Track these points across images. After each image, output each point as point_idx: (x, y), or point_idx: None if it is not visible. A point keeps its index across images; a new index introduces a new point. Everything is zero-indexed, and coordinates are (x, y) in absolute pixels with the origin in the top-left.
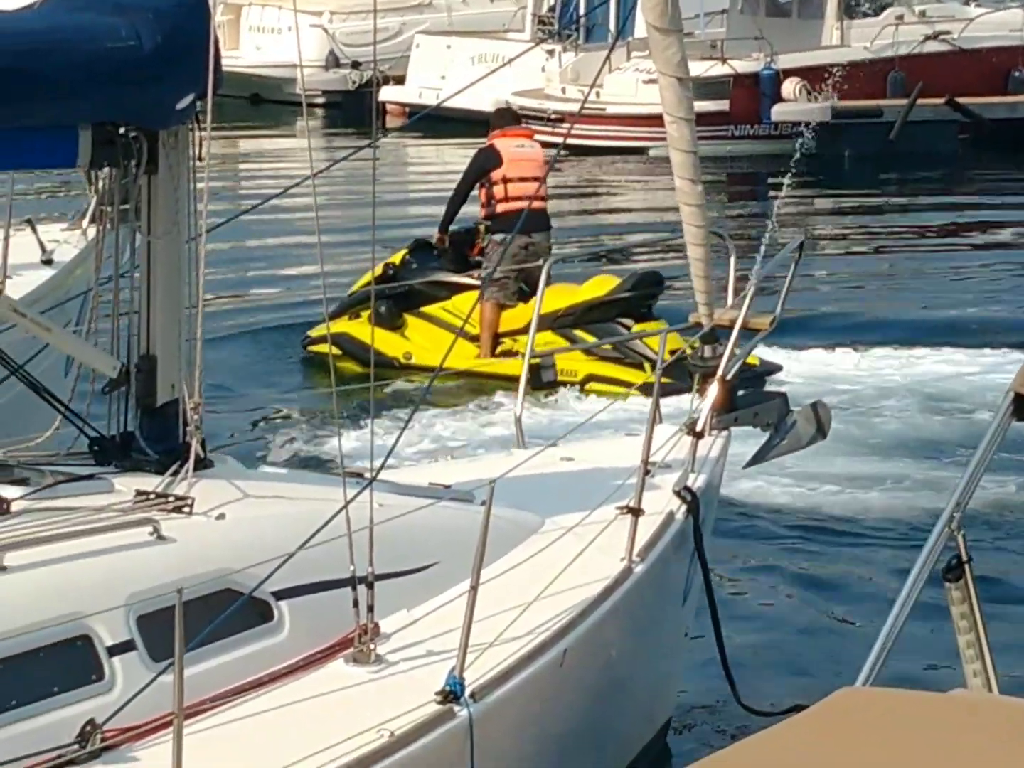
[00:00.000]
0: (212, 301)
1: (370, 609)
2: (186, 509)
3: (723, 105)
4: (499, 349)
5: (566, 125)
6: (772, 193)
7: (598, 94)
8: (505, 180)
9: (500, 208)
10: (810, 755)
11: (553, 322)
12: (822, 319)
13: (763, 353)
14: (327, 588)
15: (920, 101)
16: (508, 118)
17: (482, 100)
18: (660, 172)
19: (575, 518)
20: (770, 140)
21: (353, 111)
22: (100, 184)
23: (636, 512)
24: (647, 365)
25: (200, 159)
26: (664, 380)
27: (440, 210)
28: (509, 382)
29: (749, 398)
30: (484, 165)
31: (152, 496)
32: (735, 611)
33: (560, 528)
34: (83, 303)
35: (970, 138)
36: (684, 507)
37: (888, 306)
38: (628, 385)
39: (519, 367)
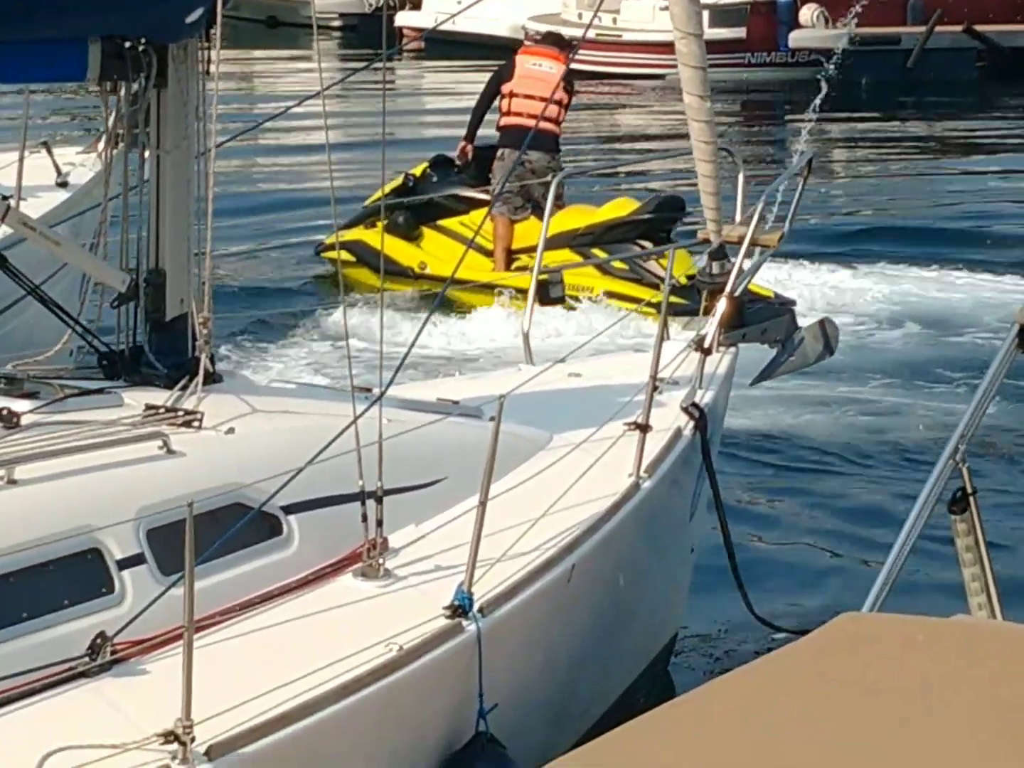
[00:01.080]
0: (222, 217)
1: (379, 524)
2: (195, 424)
3: (740, 32)
4: (515, 265)
5: (582, 51)
6: (790, 118)
7: (615, 20)
8: (512, 95)
9: (502, 122)
10: (811, 679)
11: (572, 240)
12: (832, 239)
13: (772, 272)
14: (336, 503)
15: (938, 29)
16: (549, 38)
17: (499, 25)
18: (676, 98)
19: (583, 434)
20: (787, 67)
21: (369, 34)
22: (112, 101)
23: (644, 428)
24: (663, 287)
25: (209, 73)
26: (678, 300)
27: (452, 133)
28: (521, 296)
29: (757, 314)
30: (498, 77)
31: (162, 410)
32: (742, 530)
33: (568, 444)
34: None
35: (988, 66)
36: (692, 423)
37: (900, 230)
38: (638, 301)
39: (522, 281)
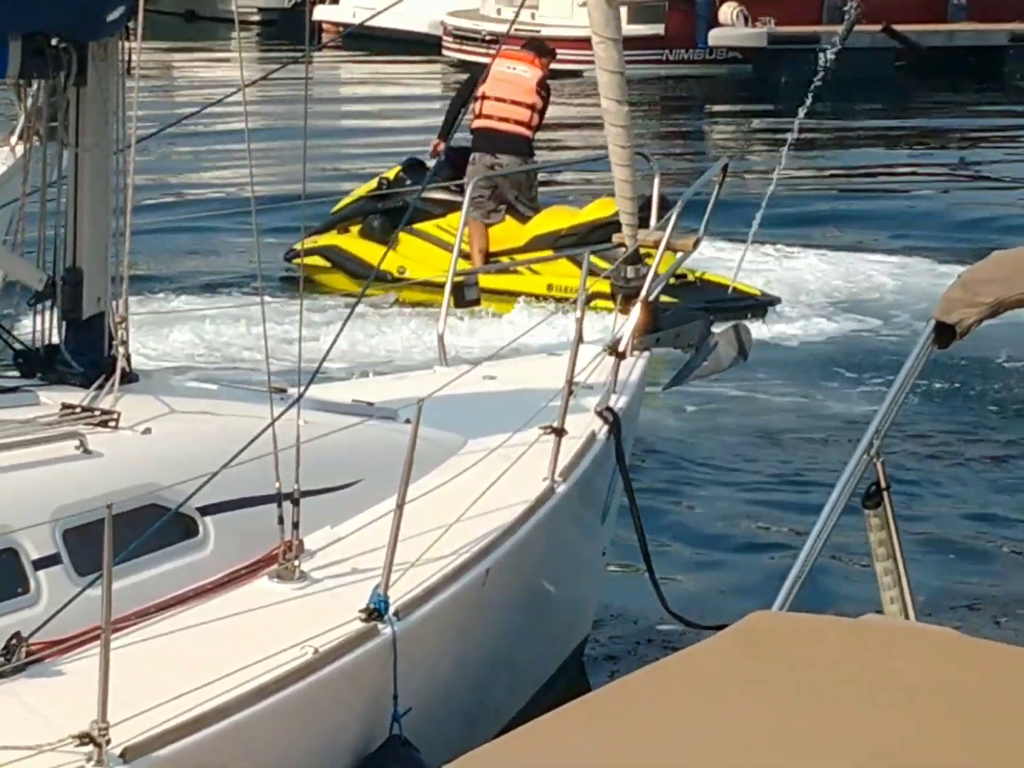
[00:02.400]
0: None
1: (295, 526)
2: (112, 423)
3: (658, 29)
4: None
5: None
6: (708, 116)
7: (533, 15)
8: (483, 97)
9: (473, 124)
10: (720, 677)
11: (555, 241)
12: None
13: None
14: (252, 504)
15: (857, 28)
16: (529, 44)
17: (418, 20)
18: (595, 94)
19: (498, 438)
20: (705, 64)
21: (288, 28)
22: (29, 98)
23: (559, 432)
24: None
25: (130, 72)
26: (668, 300)
27: (370, 124)
28: (495, 296)
29: (672, 319)
30: (472, 79)
31: (78, 409)
32: (657, 531)
33: (483, 448)
34: (11, 217)
35: (907, 65)
36: (606, 427)
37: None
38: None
39: (503, 282)
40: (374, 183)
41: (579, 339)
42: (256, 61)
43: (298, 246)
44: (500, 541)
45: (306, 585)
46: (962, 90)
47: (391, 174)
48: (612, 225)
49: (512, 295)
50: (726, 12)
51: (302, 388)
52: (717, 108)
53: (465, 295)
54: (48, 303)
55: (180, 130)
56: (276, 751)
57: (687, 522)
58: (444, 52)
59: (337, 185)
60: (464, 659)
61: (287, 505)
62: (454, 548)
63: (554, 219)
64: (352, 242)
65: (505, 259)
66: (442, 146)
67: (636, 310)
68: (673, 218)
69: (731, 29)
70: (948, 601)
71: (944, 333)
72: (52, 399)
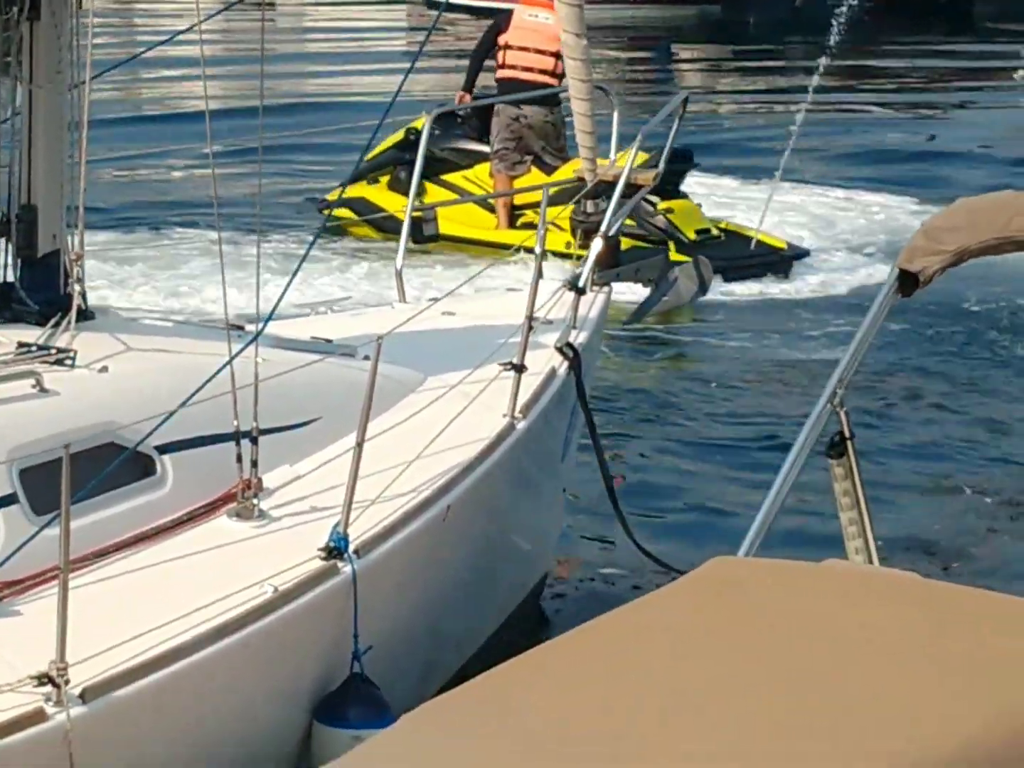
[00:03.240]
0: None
1: (254, 464)
2: (68, 362)
3: None
4: (520, 221)
5: None
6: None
7: None
8: (507, 46)
9: (498, 75)
10: (681, 623)
11: (576, 193)
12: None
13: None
14: (211, 442)
15: None
16: None
17: None
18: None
19: (458, 375)
20: (675, 5)
21: None
22: None
23: (519, 369)
24: (671, 244)
25: (81, 5)
26: (682, 259)
27: (335, 68)
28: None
29: (631, 254)
30: (495, 28)
31: (34, 348)
32: (618, 472)
33: (443, 385)
34: None
35: (876, 5)
36: (566, 364)
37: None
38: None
39: (519, 238)
40: (401, 134)
41: (538, 275)
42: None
43: (332, 196)
44: (460, 478)
45: (265, 523)
46: (931, 31)
47: (419, 124)
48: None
49: (530, 251)
50: None
51: (260, 325)
52: (687, 49)
53: (424, 230)
54: (2, 240)
55: (139, 62)
56: (236, 690)
57: (651, 467)
58: None
59: (298, 118)
60: (424, 597)
61: (245, 443)
62: (414, 485)
63: (573, 172)
64: (380, 194)
65: (530, 212)
66: (467, 98)
67: (596, 245)
68: (633, 152)
69: None
70: (913, 548)
71: (907, 281)
72: (7, 337)
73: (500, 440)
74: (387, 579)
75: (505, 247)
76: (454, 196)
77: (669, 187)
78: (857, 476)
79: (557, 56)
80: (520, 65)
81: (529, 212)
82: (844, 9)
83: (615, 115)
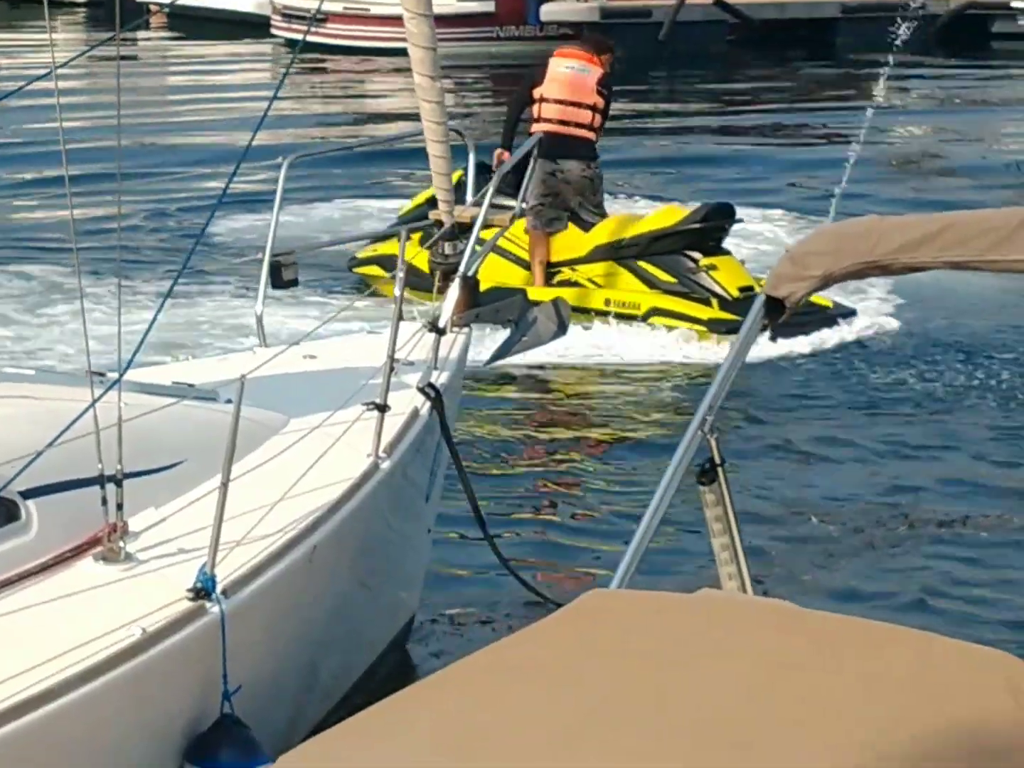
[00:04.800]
0: None
1: (119, 507)
2: None
3: (489, 6)
4: (557, 278)
5: (330, 25)
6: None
7: None
8: (542, 99)
9: (532, 128)
10: (558, 657)
11: (616, 252)
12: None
13: None
14: (75, 487)
15: (689, 1)
16: (586, 40)
17: (245, 1)
18: None
19: (321, 416)
20: (537, 41)
21: (114, 10)
22: None
23: (382, 409)
24: (714, 301)
25: None
26: (726, 317)
27: (198, 109)
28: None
29: (490, 295)
30: (529, 80)
31: None
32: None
33: (306, 426)
34: None
35: (739, 38)
36: (428, 403)
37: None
38: (689, 319)
39: (562, 295)
40: (429, 193)
41: (399, 316)
42: (83, 43)
43: (363, 254)
44: (326, 518)
45: (132, 566)
46: (794, 62)
47: (453, 178)
48: (675, 236)
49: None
50: None
51: (122, 368)
52: None
53: (283, 275)
54: None
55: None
56: (104, 734)
57: (522, 499)
58: (273, 32)
59: (158, 163)
60: (293, 636)
61: (110, 487)
62: (280, 526)
63: (617, 228)
64: (412, 250)
65: (567, 270)
66: (507, 156)
67: (455, 286)
68: (489, 193)
69: (563, 4)
70: (786, 574)
71: (774, 307)
72: None
73: (365, 480)
74: (255, 619)
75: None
76: (491, 254)
77: (711, 243)
78: (729, 502)
79: (594, 109)
80: (556, 118)
81: (565, 270)
82: (708, 40)
83: (471, 157)
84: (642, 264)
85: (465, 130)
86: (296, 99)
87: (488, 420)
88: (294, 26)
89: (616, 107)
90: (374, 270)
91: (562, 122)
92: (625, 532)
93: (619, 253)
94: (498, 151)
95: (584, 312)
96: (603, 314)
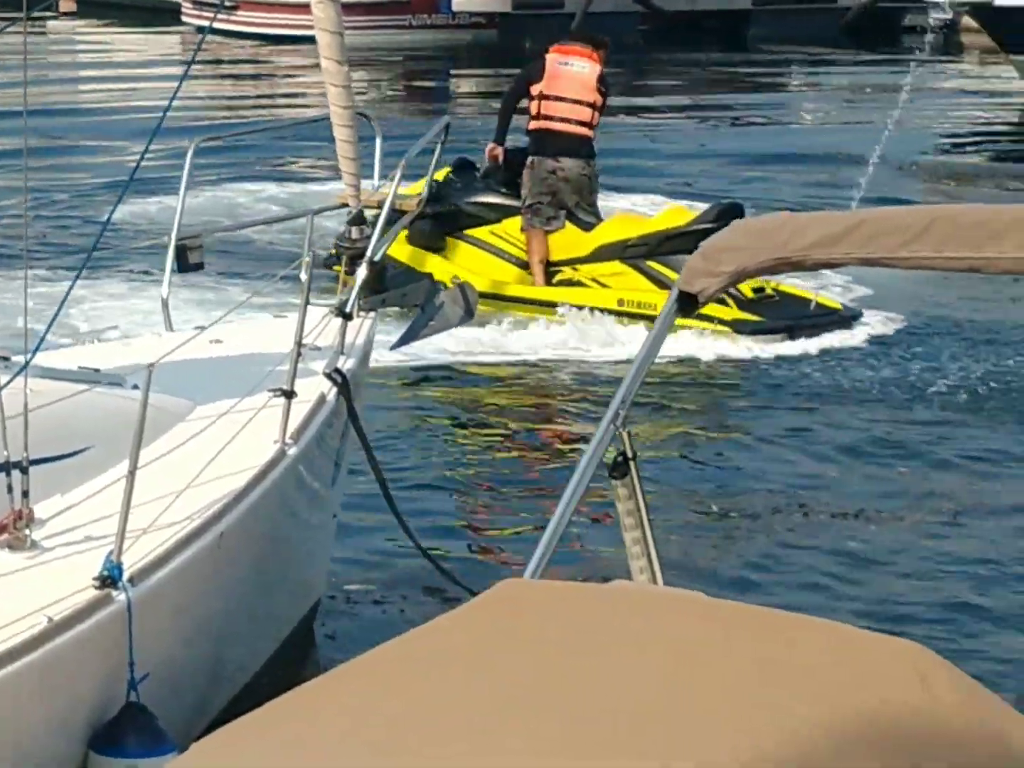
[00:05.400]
0: None
1: (24, 494)
2: None
3: None
4: (556, 278)
5: (241, 13)
6: (453, 80)
7: None
8: (541, 96)
9: (531, 126)
10: (471, 646)
11: (623, 251)
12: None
13: None
14: None
15: None
16: (580, 36)
17: None
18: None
19: (228, 402)
20: (450, 30)
21: None
22: None
23: (289, 395)
24: (731, 302)
25: None
26: (750, 317)
27: (105, 97)
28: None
29: (397, 279)
30: (526, 76)
31: None
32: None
33: (213, 413)
34: None
35: (651, 29)
36: (335, 389)
37: None
38: (711, 320)
39: (558, 295)
40: (420, 185)
41: (306, 302)
42: None
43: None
44: (233, 504)
45: (38, 554)
46: (706, 54)
47: (440, 175)
48: (686, 236)
49: (580, 309)
50: None
51: (28, 354)
52: (462, 74)
53: (189, 259)
54: None
55: None
56: (11, 721)
57: (436, 490)
58: (184, 19)
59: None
60: (200, 623)
61: (16, 474)
62: (187, 513)
63: (622, 227)
64: (399, 248)
65: (568, 270)
66: (499, 151)
67: (362, 271)
68: (396, 177)
69: None
70: (698, 567)
71: (687, 302)
72: None
73: (272, 466)
74: (162, 607)
75: (545, 304)
76: (481, 253)
77: None
78: (640, 496)
79: (593, 107)
80: (556, 116)
81: (566, 269)
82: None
83: (378, 141)
84: (651, 264)
85: (376, 117)
86: (206, 85)
87: (406, 408)
88: (204, 13)
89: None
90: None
91: (563, 119)
92: (541, 522)
93: (626, 253)
94: (490, 146)
95: (596, 312)
96: (618, 314)
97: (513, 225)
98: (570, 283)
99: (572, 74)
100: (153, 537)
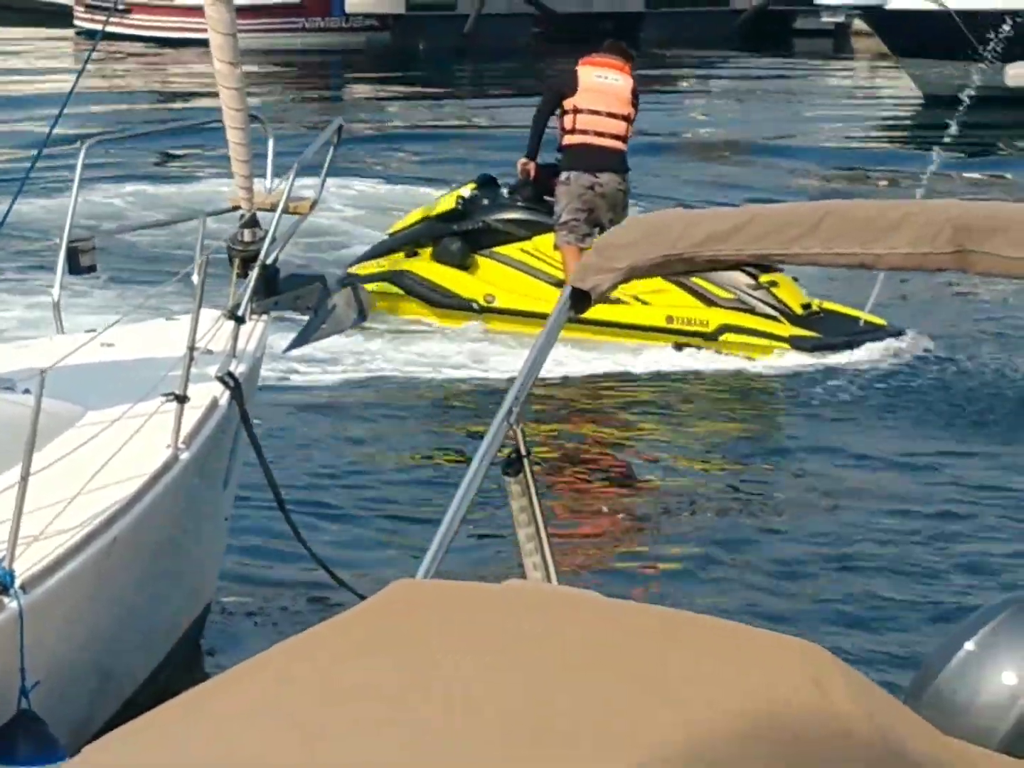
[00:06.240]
0: None
1: None
2: None
3: None
4: None
5: (135, 16)
6: (347, 82)
7: None
8: (575, 110)
9: (566, 140)
10: (363, 648)
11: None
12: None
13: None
14: None
15: None
16: (611, 48)
17: None
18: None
19: (120, 407)
20: (343, 32)
21: None
22: None
23: (181, 399)
24: (782, 318)
25: None
26: (805, 332)
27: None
28: (601, 328)
29: (289, 282)
30: (558, 90)
31: None
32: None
33: (105, 418)
34: None
35: (543, 31)
36: (227, 393)
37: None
38: (770, 337)
39: (611, 313)
40: (449, 202)
41: (199, 305)
42: None
43: (363, 270)
44: (126, 510)
45: None
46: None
47: (464, 192)
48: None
49: (625, 328)
50: None
51: None
52: (356, 76)
53: (81, 261)
54: None
55: None
56: None
57: (328, 492)
58: (76, 23)
59: None
60: (92, 629)
61: None
62: (79, 519)
63: None
64: (425, 266)
65: None
66: (531, 166)
67: (254, 274)
68: (290, 180)
69: None
70: (592, 565)
71: (580, 299)
72: None
73: (164, 471)
74: (54, 613)
75: (586, 323)
76: (512, 271)
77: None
78: (534, 493)
79: (627, 120)
80: (592, 130)
81: None
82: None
83: (270, 144)
84: (696, 280)
85: (270, 119)
86: (100, 87)
87: (300, 412)
88: (97, 16)
89: (423, 100)
90: (384, 287)
91: (599, 133)
92: (433, 522)
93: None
94: (522, 161)
95: (642, 330)
96: (667, 332)
97: (545, 242)
98: (609, 300)
99: (608, 87)
100: (45, 543)
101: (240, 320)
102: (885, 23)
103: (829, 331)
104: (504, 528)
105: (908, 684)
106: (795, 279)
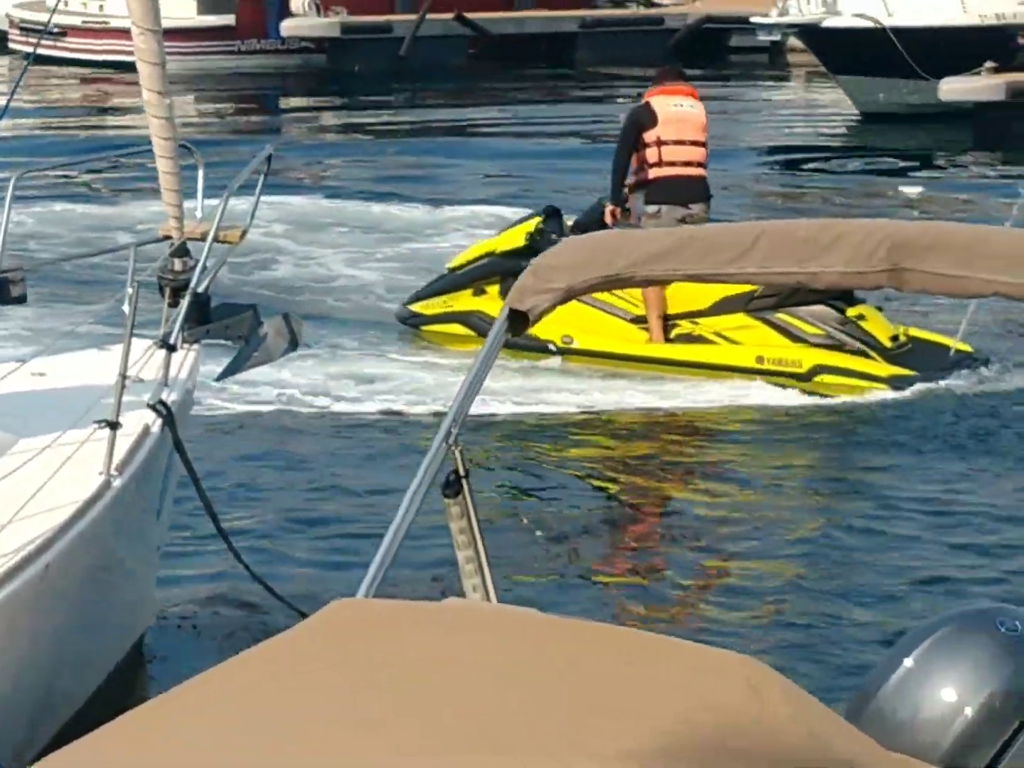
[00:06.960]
0: None
1: None
2: None
3: (229, 19)
4: (674, 332)
5: (69, 39)
6: (283, 107)
7: (101, 7)
8: (659, 143)
9: (652, 174)
10: (303, 666)
11: (747, 303)
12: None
13: None
14: None
15: (430, 16)
16: (671, 74)
17: None
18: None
19: (52, 435)
20: (278, 55)
21: None
22: None
23: (113, 426)
24: (874, 354)
25: None
26: (905, 372)
27: None
28: (688, 369)
29: (221, 311)
30: (638, 124)
31: None
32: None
33: (36, 446)
34: None
35: (478, 52)
36: (160, 421)
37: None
38: (867, 377)
39: (677, 352)
40: (516, 237)
41: (131, 333)
42: None
43: (429, 310)
44: (58, 536)
45: None
46: (534, 76)
47: (531, 226)
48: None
49: (714, 368)
50: (298, 2)
51: None
52: (291, 100)
53: (11, 291)
54: None
55: None
56: None
57: (266, 514)
58: (11, 45)
59: None
60: (26, 655)
61: None
62: (12, 546)
63: None
64: (496, 307)
65: (686, 323)
66: (619, 211)
67: (185, 303)
68: (220, 209)
69: (304, 19)
70: (532, 584)
71: (518, 320)
72: None
73: (97, 498)
74: None
75: (663, 362)
76: (587, 309)
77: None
78: (473, 514)
79: (705, 147)
80: (680, 160)
81: (684, 323)
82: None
83: (200, 172)
84: (782, 316)
85: (202, 143)
86: (33, 113)
87: (236, 439)
88: (31, 39)
89: (360, 120)
90: (455, 328)
91: (686, 163)
92: (374, 542)
93: (752, 304)
94: (610, 208)
95: (733, 371)
96: (758, 372)
97: None
98: (690, 337)
99: (686, 115)
100: None
101: (172, 348)
102: (820, 41)
103: (921, 364)
104: (447, 546)
105: (850, 703)
106: (879, 308)
